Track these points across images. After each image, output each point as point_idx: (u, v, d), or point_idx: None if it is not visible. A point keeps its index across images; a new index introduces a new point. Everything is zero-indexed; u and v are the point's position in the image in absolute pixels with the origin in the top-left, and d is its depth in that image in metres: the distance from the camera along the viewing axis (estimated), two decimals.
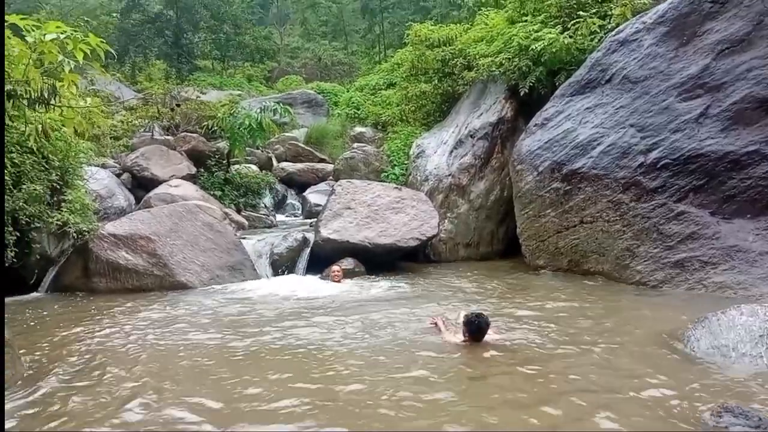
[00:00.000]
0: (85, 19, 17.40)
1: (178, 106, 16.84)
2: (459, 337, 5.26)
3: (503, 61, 11.55)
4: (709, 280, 7.19)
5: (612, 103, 8.95)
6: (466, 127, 12.32)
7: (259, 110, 14.52)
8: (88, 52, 4.48)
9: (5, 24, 3.98)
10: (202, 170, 14.43)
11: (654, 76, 8.47)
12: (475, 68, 12.76)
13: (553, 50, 10.49)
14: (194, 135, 15.04)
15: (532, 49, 10.82)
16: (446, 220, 11.53)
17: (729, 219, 7.34)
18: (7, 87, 4.08)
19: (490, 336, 5.26)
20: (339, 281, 8.97)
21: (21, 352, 4.85)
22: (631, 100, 8.66)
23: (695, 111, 7.82)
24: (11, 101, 4.14)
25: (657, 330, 5.48)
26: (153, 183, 13.21)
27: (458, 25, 15.39)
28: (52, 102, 4.23)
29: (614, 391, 3.92)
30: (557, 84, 10.56)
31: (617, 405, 3.67)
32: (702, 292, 7.14)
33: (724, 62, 7.71)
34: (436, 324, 5.72)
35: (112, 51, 4.49)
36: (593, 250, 8.73)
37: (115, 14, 30.27)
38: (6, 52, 4.02)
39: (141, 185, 13.51)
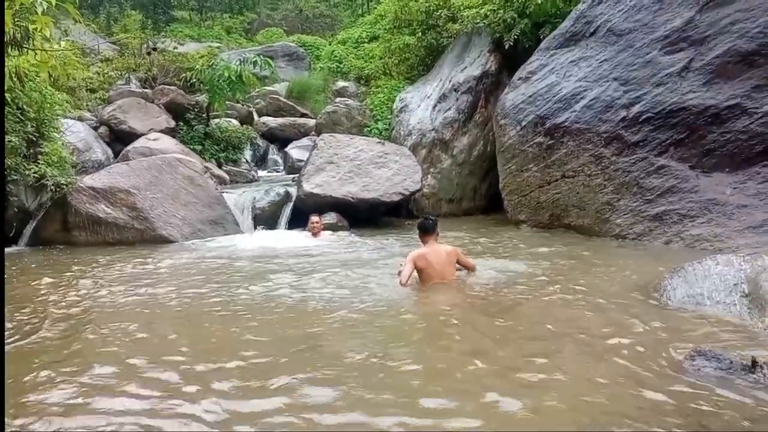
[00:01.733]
0: None
1: (154, 50, 16.44)
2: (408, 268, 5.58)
3: (488, 13, 11.38)
4: (686, 233, 7.31)
5: (596, 57, 8.90)
6: (449, 81, 12.21)
7: (238, 62, 14.23)
8: None
9: None
10: (182, 124, 14.18)
11: (638, 28, 8.41)
12: (460, 20, 12.57)
13: (538, 2, 10.36)
14: (172, 87, 14.72)
15: (518, 0, 10.66)
16: (429, 176, 11.54)
17: (708, 173, 7.41)
18: None
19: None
20: (318, 234, 8.86)
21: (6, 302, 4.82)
22: (614, 53, 8.62)
23: (678, 64, 7.80)
24: None
25: (634, 281, 5.59)
26: (131, 136, 12.97)
27: None
28: (26, 45, 4.09)
29: (589, 339, 4.00)
30: (542, 37, 10.45)
31: (592, 352, 3.75)
32: (680, 244, 7.26)
33: (709, 15, 7.66)
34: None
35: None
36: (574, 204, 8.81)
37: None
38: None
39: (119, 139, 13.26)
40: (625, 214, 8.03)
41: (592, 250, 7.54)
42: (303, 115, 17.69)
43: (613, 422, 2.76)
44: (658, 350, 3.72)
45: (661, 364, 3.50)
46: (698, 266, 4.93)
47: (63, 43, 4.71)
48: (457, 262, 5.83)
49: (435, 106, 12.07)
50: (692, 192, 7.41)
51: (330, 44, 23.84)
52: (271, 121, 17.11)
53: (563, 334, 4.13)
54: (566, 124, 8.89)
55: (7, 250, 7.90)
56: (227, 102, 15.13)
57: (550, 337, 4.09)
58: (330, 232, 9.12)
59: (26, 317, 4.72)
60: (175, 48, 17.66)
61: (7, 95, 7.18)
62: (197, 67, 14.17)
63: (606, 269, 6.30)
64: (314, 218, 8.97)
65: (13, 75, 4.60)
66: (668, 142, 7.74)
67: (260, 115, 17.68)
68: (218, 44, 24.28)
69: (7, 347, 3.97)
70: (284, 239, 8.81)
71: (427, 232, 5.84)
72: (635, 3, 8.52)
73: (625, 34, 8.58)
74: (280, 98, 18.42)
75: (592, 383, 3.25)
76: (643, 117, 7.98)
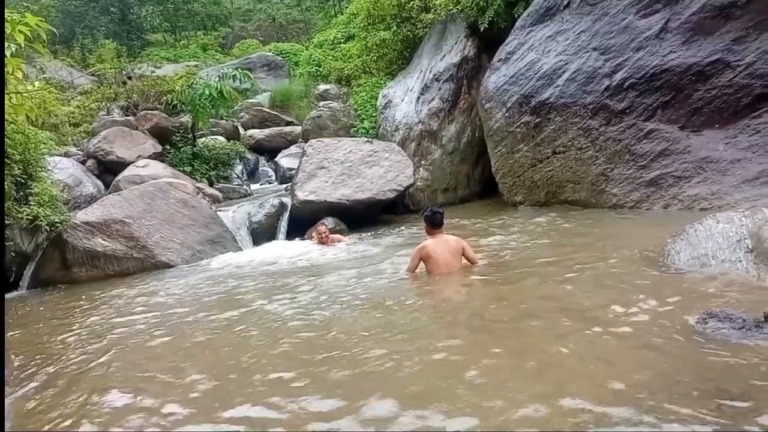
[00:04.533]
0: (25, 4, 16.71)
1: (129, 78, 16.38)
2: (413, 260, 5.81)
3: None
4: (684, 194, 7.30)
5: (572, 29, 8.88)
6: (430, 71, 12.17)
7: (217, 79, 14.17)
8: (30, 35, 4.28)
9: None
10: (168, 147, 14.10)
11: None
12: (433, 9, 12.52)
13: None
14: (155, 112, 14.65)
15: None
16: (421, 168, 11.50)
17: (698, 131, 7.40)
18: None
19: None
20: (327, 241, 8.61)
21: (9, 348, 4.78)
22: (591, 23, 8.59)
23: (655, 27, 7.78)
24: None
25: (637, 248, 5.57)
26: (120, 166, 12.90)
27: None
28: None
29: (599, 309, 3.98)
30: (517, 16, 10.41)
31: (603, 322, 3.73)
32: (678, 207, 7.26)
33: None
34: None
35: (54, 30, 4.28)
36: (568, 180, 8.79)
37: None
38: None
39: (108, 170, 13.18)
40: (620, 183, 8.02)
41: (591, 222, 7.53)
42: (288, 123, 17.63)
43: (633, 393, 2.73)
44: (668, 316, 3.71)
45: (673, 329, 3.49)
46: (699, 227, 4.91)
47: (37, 83, 4.66)
48: (463, 254, 5.81)
49: (418, 98, 12.02)
50: (685, 153, 7.40)
51: (307, 49, 23.80)
52: (258, 133, 17.05)
53: (570, 309, 4.12)
54: (551, 100, 8.87)
55: (8, 295, 7.84)
56: (211, 120, 15.07)
57: (557, 314, 4.06)
58: (347, 238, 8.99)
59: (36, 360, 4.66)
60: (152, 72, 17.57)
61: None
62: (177, 88, 14.10)
63: (608, 240, 6.29)
64: (321, 228, 8.82)
65: None
66: (655, 105, 7.72)
67: (246, 128, 17.62)
68: (195, 63, 24.18)
69: (16, 392, 3.93)
70: (284, 250, 8.75)
71: (433, 224, 5.88)
72: None
73: (599, 3, 8.57)
74: (264, 109, 18.37)
75: (606, 356, 3.23)
76: (627, 83, 7.96)
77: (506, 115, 9.59)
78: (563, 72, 8.78)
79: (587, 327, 3.71)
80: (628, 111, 7.96)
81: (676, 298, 4.02)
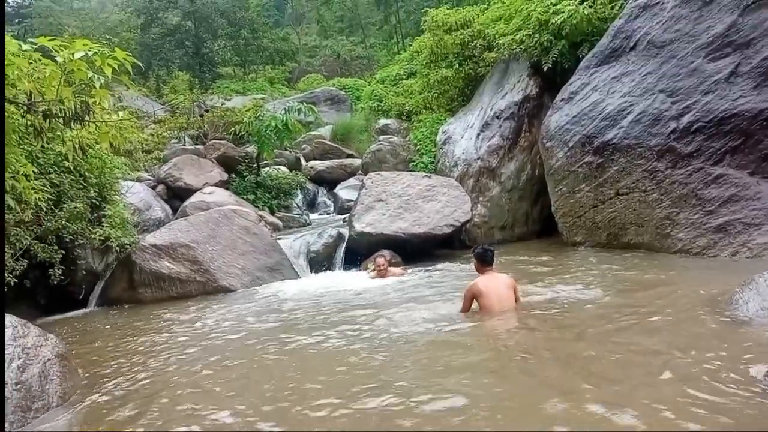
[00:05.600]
0: (107, 36, 17.81)
1: (207, 111, 17.14)
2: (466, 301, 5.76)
3: (523, 38, 11.41)
4: (753, 242, 7.02)
5: (639, 71, 8.78)
6: (491, 109, 12.22)
7: (283, 111, 14.69)
8: (116, 67, 4.59)
9: (35, 45, 4.11)
10: (234, 175, 14.67)
11: (679, 38, 8.28)
12: (496, 48, 12.64)
13: (574, 22, 10.32)
14: (223, 142, 15.28)
15: (552, 23, 10.66)
16: (479, 204, 11.48)
17: None
18: (43, 107, 4.21)
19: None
20: (385, 275, 8.59)
21: (77, 362, 5.01)
22: (658, 66, 8.49)
23: (725, 70, 7.62)
24: (48, 121, 4.27)
25: (704, 296, 5.39)
26: (187, 192, 13.47)
27: (475, 6, 15.26)
28: (86, 118, 4.35)
29: (660, 359, 3.87)
30: (581, 56, 10.39)
31: (664, 373, 3.62)
32: (747, 255, 6.98)
33: (751, 18, 7.49)
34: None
35: (139, 63, 4.58)
36: (631, 222, 8.60)
37: (135, 30, 30.95)
38: (37, 74, 4.15)
39: (176, 195, 13.78)
40: (686, 228, 7.79)
41: (655, 267, 7.31)
42: (349, 156, 18.02)
43: None
44: (733, 368, 3.58)
45: (738, 382, 3.37)
46: None
47: (121, 113, 4.98)
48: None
49: (478, 134, 12.07)
50: (755, 199, 7.15)
51: (369, 84, 24.33)
52: (319, 165, 17.48)
53: (631, 357, 4.02)
54: (615, 141, 8.75)
55: (78, 311, 8.23)
56: (275, 150, 15.57)
57: (620, 361, 3.96)
58: (401, 268, 9.09)
59: (100, 374, 4.87)
60: (222, 104, 18.35)
61: (69, 164, 7.56)
62: (245, 120, 14.69)
63: (672, 286, 6.10)
64: (380, 261, 8.81)
65: (77, 147, 4.89)
66: (723, 150, 7.52)
67: (307, 159, 18.11)
68: (262, 95, 25.13)
69: (82, 404, 4.11)
70: (341, 281, 8.86)
71: (484, 261, 5.87)
72: (673, 14, 8.40)
73: (666, 45, 8.46)
74: (326, 141, 18.85)
75: (669, 408, 3.13)
76: (695, 127, 7.79)
77: (568, 154, 9.52)
78: (628, 113, 8.67)
79: (648, 376, 3.62)
80: (695, 154, 7.77)
81: (742, 350, 3.87)
